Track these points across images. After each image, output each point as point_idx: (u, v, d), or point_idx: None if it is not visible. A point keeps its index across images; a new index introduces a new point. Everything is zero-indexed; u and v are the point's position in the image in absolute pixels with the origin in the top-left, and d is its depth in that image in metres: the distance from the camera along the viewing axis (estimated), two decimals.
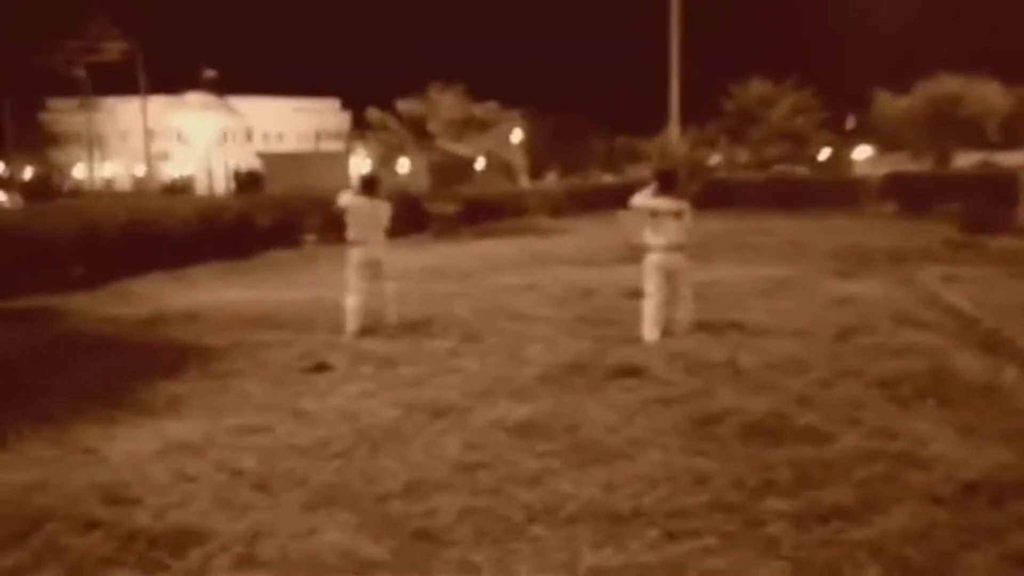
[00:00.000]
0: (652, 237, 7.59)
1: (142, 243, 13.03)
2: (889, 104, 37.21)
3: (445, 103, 20.48)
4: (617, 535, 3.78)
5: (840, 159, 50.12)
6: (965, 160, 37.37)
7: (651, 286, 7.60)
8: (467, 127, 20.85)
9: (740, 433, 4.99)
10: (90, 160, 47.15)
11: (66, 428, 5.30)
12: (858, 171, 41.85)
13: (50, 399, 5.89)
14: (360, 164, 25.27)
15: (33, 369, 6.83)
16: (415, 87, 20.74)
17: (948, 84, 35.23)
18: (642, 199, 7.64)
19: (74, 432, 5.24)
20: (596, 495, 4.17)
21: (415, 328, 8.37)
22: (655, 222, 7.56)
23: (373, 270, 8.42)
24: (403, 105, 20.45)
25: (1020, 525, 3.75)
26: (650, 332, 7.50)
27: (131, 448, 4.91)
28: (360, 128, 22.47)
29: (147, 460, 4.70)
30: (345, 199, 8.40)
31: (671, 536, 3.75)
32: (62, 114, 65.62)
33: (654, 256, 7.60)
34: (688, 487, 4.23)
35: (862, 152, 51.83)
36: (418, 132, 20.43)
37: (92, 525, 3.85)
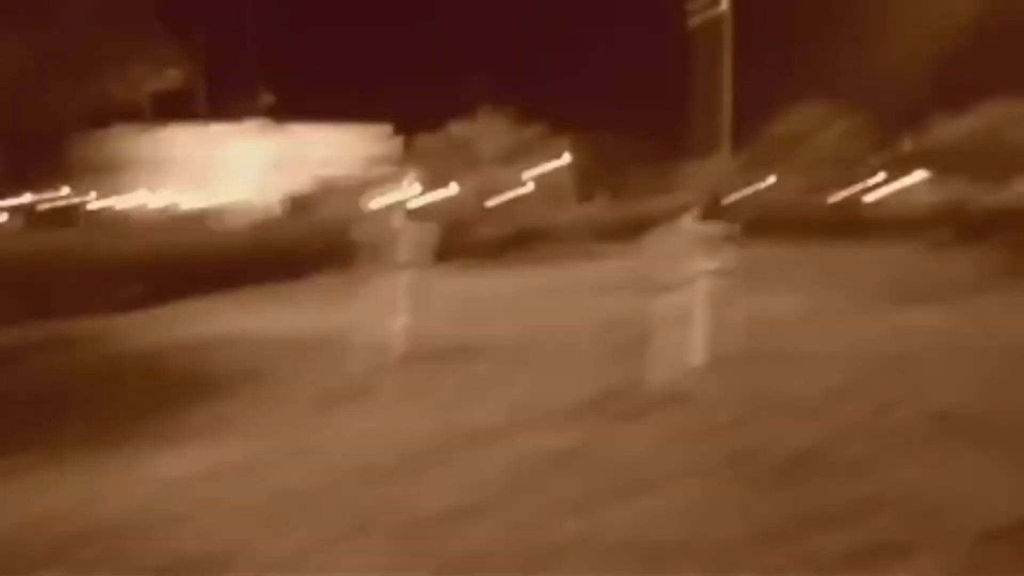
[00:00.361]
0: (703, 262, 7.50)
1: (190, 268, 13.32)
2: (945, 128, 36.40)
3: (494, 127, 20.65)
4: (657, 568, 3.73)
5: (893, 185, 49.04)
6: None
7: (699, 311, 7.51)
8: (516, 151, 20.98)
9: (786, 463, 4.90)
10: (149, 186, 48.44)
11: (111, 449, 5.43)
12: (912, 197, 40.94)
13: (96, 420, 6.06)
14: (409, 189, 25.57)
15: (81, 390, 7.02)
16: (465, 111, 20.98)
17: (1006, 107, 34.34)
18: (690, 225, 7.56)
19: (119, 453, 5.36)
20: (635, 526, 4.12)
21: (458, 352, 8.40)
22: (706, 246, 7.48)
23: (422, 292, 8.53)
24: (454, 129, 20.67)
25: None
26: (696, 358, 7.41)
27: (168, 472, 5.00)
28: (412, 151, 22.73)
29: (191, 482, 4.79)
30: (397, 222, 8.50)
31: (712, 570, 3.69)
32: (123, 140, 67.65)
33: (705, 281, 7.51)
34: (731, 519, 4.16)
35: (918, 177, 50.70)
36: (467, 156, 20.62)
37: (121, 551, 3.92)
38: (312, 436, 5.72)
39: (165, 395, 6.89)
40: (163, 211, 52.07)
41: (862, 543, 3.82)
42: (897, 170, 49.84)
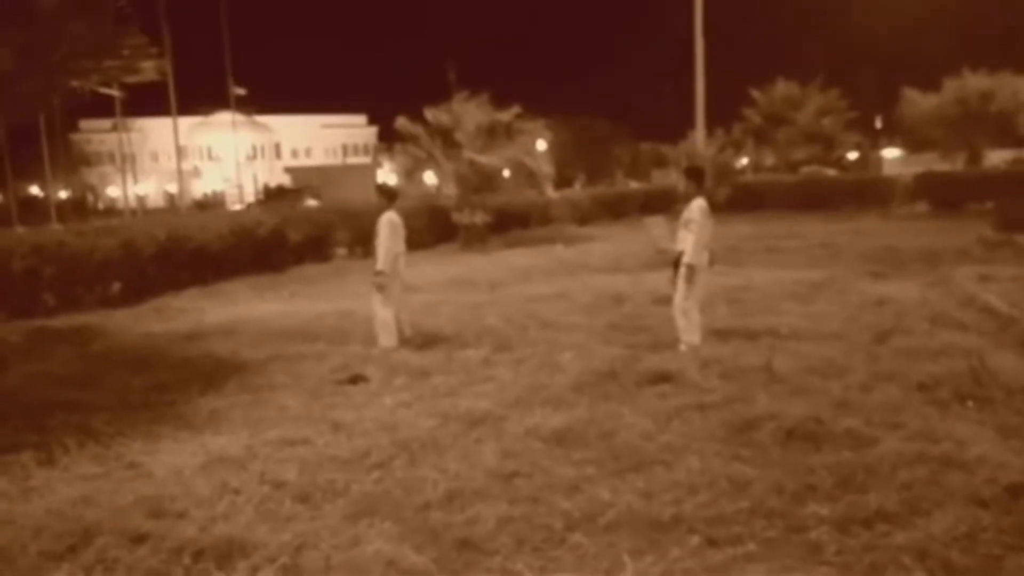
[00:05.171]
0: (704, 237, 7.45)
1: (178, 259, 13.24)
2: (917, 103, 36.76)
3: (470, 112, 20.54)
4: (657, 542, 3.78)
5: (869, 160, 49.70)
6: (997, 157, 36.82)
7: (700, 289, 7.55)
8: (493, 136, 20.88)
9: (779, 438, 4.97)
10: (123, 179, 48.04)
11: (110, 443, 5.40)
12: (887, 171, 41.44)
13: (94, 414, 6.02)
14: (386, 177, 25.43)
15: (77, 385, 6.97)
16: (440, 98, 20.85)
17: (977, 80, 34.72)
18: (669, 207, 7.51)
19: (118, 447, 5.34)
20: (635, 502, 4.17)
21: (447, 338, 8.41)
22: (707, 225, 7.45)
23: (402, 281, 8.53)
24: (431, 114, 20.51)
25: None
26: (698, 336, 7.45)
27: (175, 462, 5.00)
28: (388, 140, 22.61)
29: (191, 474, 4.79)
30: (392, 217, 8.35)
31: (712, 543, 3.75)
32: (94, 134, 67.01)
33: (707, 255, 7.52)
34: (728, 493, 4.23)
35: (891, 152, 51.31)
36: (446, 141, 20.51)
37: (140, 539, 3.92)
38: (304, 427, 5.69)
39: (155, 389, 6.84)
40: (138, 204, 51.70)
41: None
42: (871, 145, 50.44)
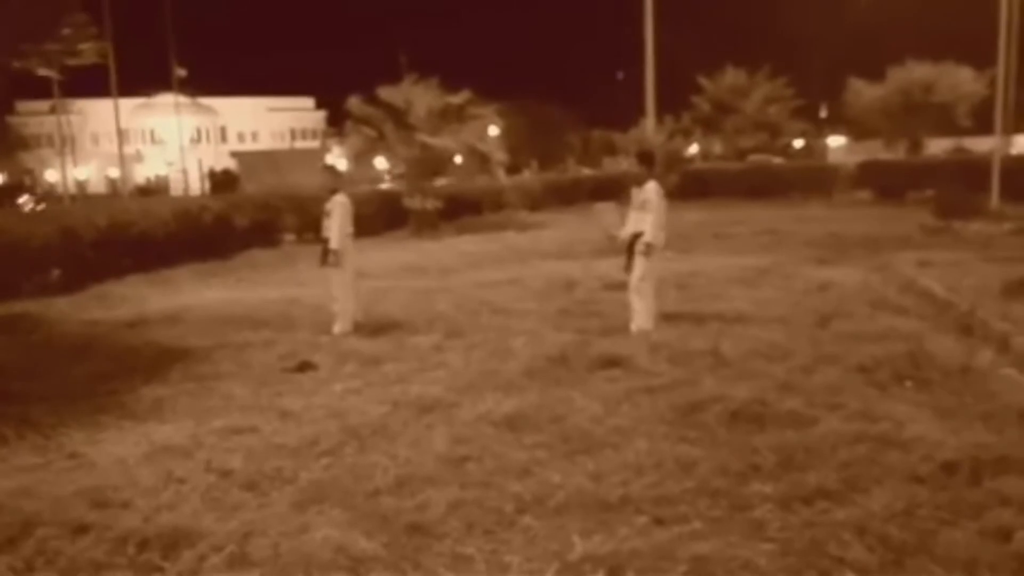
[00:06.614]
0: (661, 217, 7.57)
1: (120, 246, 12.91)
2: (861, 92, 37.50)
3: (420, 95, 20.36)
4: (606, 523, 3.83)
5: (814, 148, 50.65)
6: (937, 146, 37.78)
7: (655, 271, 7.65)
8: (444, 119, 20.73)
9: (724, 420, 5.06)
10: (62, 163, 46.65)
11: (51, 434, 5.27)
12: (832, 159, 42.26)
13: (34, 405, 5.86)
14: (335, 161, 25.07)
15: (16, 375, 6.77)
16: (390, 83, 20.60)
17: (919, 71, 35.53)
18: (618, 193, 7.65)
19: (59, 437, 5.21)
20: (584, 484, 4.22)
21: (398, 325, 8.37)
22: (663, 206, 7.59)
23: (357, 264, 8.50)
24: (384, 92, 20.22)
25: (998, 502, 3.84)
26: (651, 321, 7.56)
27: (118, 452, 4.90)
28: (336, 124, 22.26)
29: (134, 463, 4.69)
30: (343, 199, 8.37)
31: (659, 522, 3.81)
32: (32, 117, 64.92)
33: (662, 236, 7.65)
34: (674, 474, 4.29)
35: (835, 141, 52.37)
36: (398, 124, 20.29)
37: (82, 529, 3.84)
38: (251, 415, 5.62)
39: (97, 378, 6.68)
40: (78, 189, 50.37)
41: None
42: (816, 134, 51.43)
